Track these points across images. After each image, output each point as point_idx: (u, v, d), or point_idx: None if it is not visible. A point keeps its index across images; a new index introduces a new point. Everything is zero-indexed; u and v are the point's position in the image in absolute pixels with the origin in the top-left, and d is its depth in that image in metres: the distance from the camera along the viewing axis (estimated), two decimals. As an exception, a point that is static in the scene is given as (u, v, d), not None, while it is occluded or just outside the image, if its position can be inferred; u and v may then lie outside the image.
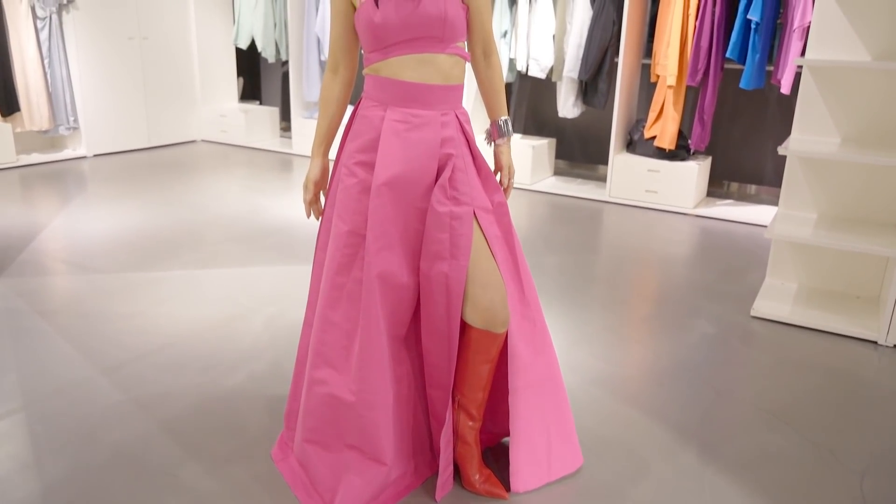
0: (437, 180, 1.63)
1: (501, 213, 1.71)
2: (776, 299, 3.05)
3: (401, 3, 1.56)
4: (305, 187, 1.79)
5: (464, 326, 1.67)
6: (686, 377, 2.44)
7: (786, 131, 4.76)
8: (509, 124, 1.79)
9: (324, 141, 1.78)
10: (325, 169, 1.80)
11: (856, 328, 2.79)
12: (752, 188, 5.04)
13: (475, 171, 1.68)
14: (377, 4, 1.55)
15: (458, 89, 1.67)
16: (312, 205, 1.81)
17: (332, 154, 1.86)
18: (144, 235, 3.83)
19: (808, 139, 3.05)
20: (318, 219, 1.84)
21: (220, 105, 6.60)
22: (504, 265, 1.69)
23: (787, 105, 4.71)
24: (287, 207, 4.43)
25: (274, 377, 2.36)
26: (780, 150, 2.85)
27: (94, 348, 2.53)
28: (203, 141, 6.56)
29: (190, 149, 6.25)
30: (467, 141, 1.68)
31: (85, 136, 5.63)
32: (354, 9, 1.65)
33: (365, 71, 1.69)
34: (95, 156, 5.73)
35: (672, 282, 3.39)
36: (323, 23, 5.66)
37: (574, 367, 2.47)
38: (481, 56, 1.74)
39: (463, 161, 1.65)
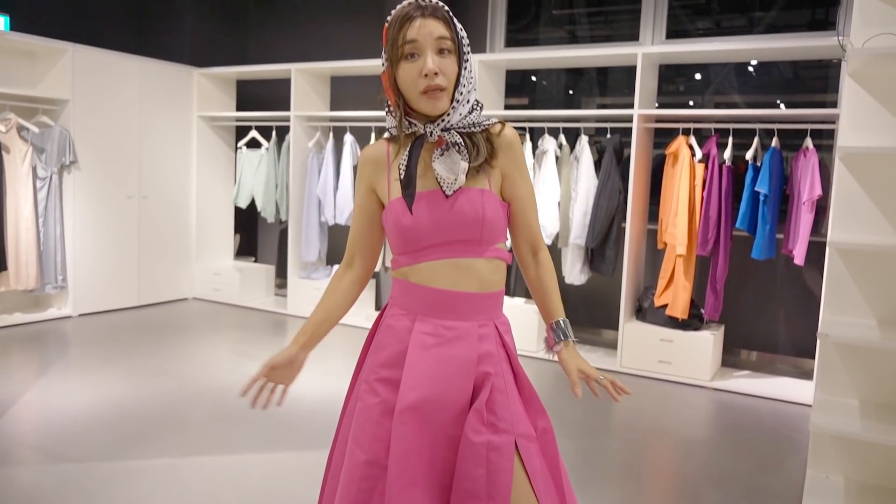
0: (472, 403, 1.41)
1: (547, 441, 1.47)
2: (826, 499, 2.74)
3: (434, 203, 1.41)
4: (263, 364, 1.48)
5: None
6: None
7: (797, 298, 4.64)
8: (568, 326, 1.53)
9: (309, 331, 1.51)
10: (291, 359, 1.48)
11: (923, 539, 2.47)
12: (767, 356, 4.84)
13: (517, 391, 1.46)
14: (409, 207, 1.40)
15: (498, 296, 1.49)
16: (252, 382, 1.47)
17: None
18: (124, 413, 3.51)
19: (840, 321, 2.88)
20: (248, 397, 1.48)
21: (214, 262, 6.48)
22: (550, 506, 1.42)
23: (797, 271, 4.61)
24: (280, 377, 4.15)
25: None
26: (819, 336, 2.67)
27: (53, 568, 2.16)
28: (195, 299, 6.37)
29: (181, 307, 6.04)
30: (508, 356, 1.47)
31: (72, 295, 5.43)
32: (382, 206, 1.50)
33: (392, 274, 1.51)
34: (81, 315, 5.50)
35: (704, 473, 3.09)
36: (325, 185, 5.66)
37: None
38: (529, 254, 1.56)
39: (503, 380, 1.43)
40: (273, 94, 6.41)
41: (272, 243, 6.91)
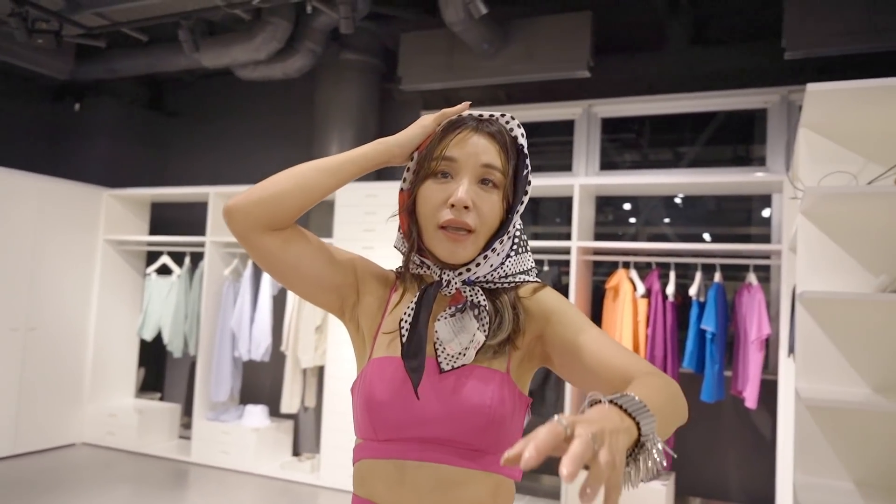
0: None
1: None
2: None
3: (423, 378, 1.00)
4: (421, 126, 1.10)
5: None
6: None
7: (748, 440, 4.35)
8: (637, 404, 0.83)
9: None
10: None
11: None
12: (720, 505, 4.48)
13: None
14: (415, 389, 0.99)
15: None
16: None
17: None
18: None
19: (815, 483, 2.56)
20: None
21: (111, 402, 5.76)
22: None
23: (746, 412, 4.35)
24: (172, 551, 3.49)
25: None
26: (799, 509, 2.33)
27: None
28: (84, 444, 5.58)
29: (66, 455, 5.26)
30: None
31: (-69, 446, 4.63)
32: (342, 311, 1.12)
33: (353, 480, 1.05)
34: (-61, 470, 4.67)
35: None
36: (240, 316, 5.18)
37: None
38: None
39: None
40: (190, 218, 5.99)
41: (181, 378, 6.25)
